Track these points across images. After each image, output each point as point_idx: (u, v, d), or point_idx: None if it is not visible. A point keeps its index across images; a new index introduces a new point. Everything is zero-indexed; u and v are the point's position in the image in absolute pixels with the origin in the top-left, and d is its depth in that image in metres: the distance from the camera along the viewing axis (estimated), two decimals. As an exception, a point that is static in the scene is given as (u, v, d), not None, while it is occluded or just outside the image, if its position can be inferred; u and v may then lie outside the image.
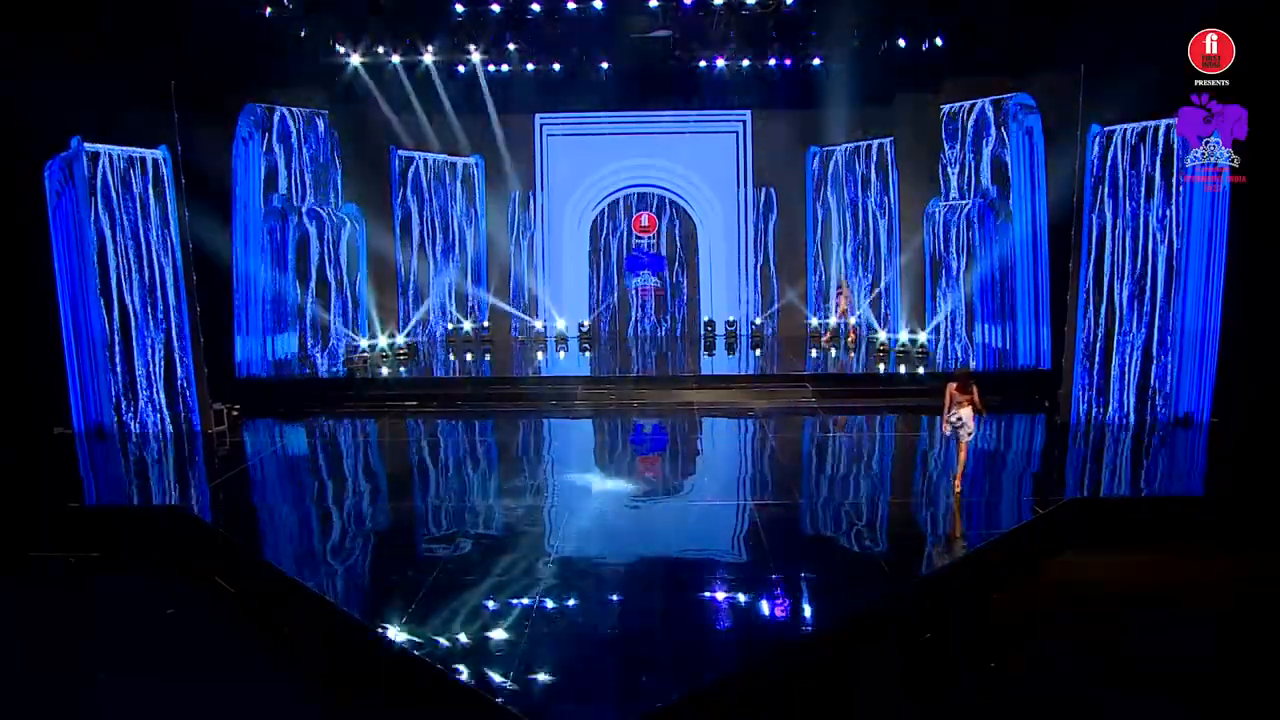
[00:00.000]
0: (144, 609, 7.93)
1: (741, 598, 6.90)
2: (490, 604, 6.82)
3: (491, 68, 19.28)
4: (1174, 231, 12.25)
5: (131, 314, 12.88)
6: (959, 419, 9.44)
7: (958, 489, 9.60)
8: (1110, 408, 12.73)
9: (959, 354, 16.81)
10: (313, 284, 17.26)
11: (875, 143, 19.89)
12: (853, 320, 19.78)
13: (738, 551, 8.09)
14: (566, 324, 22.02)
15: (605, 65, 19.26)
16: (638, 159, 21.86)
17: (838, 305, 19.97)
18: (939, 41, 17.12)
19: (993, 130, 16.47)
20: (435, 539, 8.57)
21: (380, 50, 18.01)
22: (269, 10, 15.00)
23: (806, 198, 21.55)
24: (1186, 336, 12.33)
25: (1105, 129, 12.53)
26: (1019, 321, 16.03)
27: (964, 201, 17.02)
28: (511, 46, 18.19)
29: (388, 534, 8.90)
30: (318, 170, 17.35)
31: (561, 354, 19.96)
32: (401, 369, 17.47)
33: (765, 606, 6.80)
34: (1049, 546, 8.68)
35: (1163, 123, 12.11)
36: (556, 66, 19.27)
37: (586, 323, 21.80)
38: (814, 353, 19.00)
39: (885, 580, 7.25)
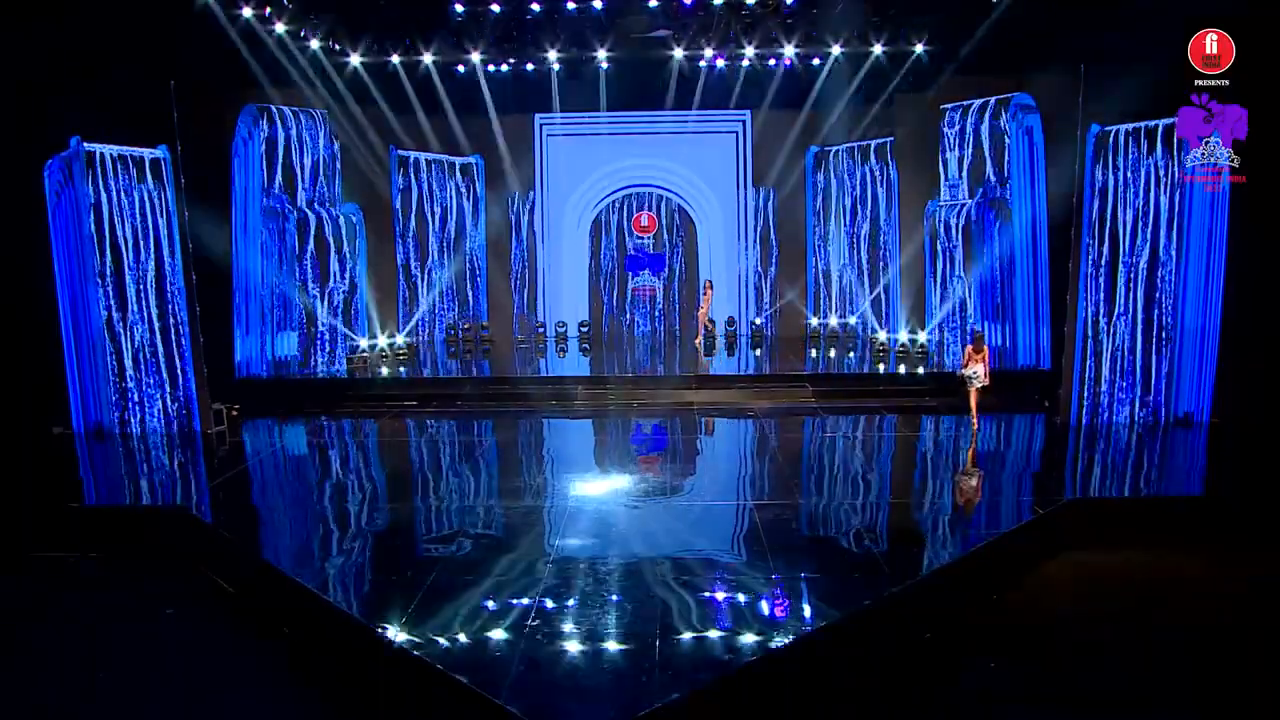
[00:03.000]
0: (144, 609, 7.93)
1: (741, 598, 6.90)
2: (490, 604, 6.81)
3: (491, 68, 19.28)
4: (1174, 231, 12.25)
5: (131, 314, 12.88)
6: (974, 372, 12.36)
7: (975, 423, 12.59)
8: (1110, 408, 12.73)
9: (958, 354, 16.80)
10: (312, 284, 17.26)
11: (875, 142, 19.91)
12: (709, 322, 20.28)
13: (738, 551, 8.09)
14: (567, 324, 22.04)
15: (605, 65, 19.27)
16: (638, 159, 21.87)
17: (701, 305, 20.18)
18: (939, 42, 17.16)
19: (992, 130, 16.47)
20: (435, 539, 8.56)
21: (380, 50, 18.02)
22: (268, 10, 15.01)
23: (806, 198, 21.56)
24: (1186, 336, 12.33)
25: (1105, 129, 12.52)
26: (1019, 321, 16.04)
27: (964, 201, 17.02)
28: (511, 46, 18.19)
29: (387, 534, 8.89)
30: (317, 169, 17.35)
31: (561, 354, 19.95)
32: (401, 369, 17.47)
33: (765, 606, 6.80)
34: (1049, 546, 8.68)
35: (1163, 123, 12.12)
36: (556, 66, 19.28)
37: (586, 322, 21.82)
38: (813, 352, 19.01)
39: (885, 580, 7.24)
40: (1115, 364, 12.68)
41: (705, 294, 20.36)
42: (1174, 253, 12.28)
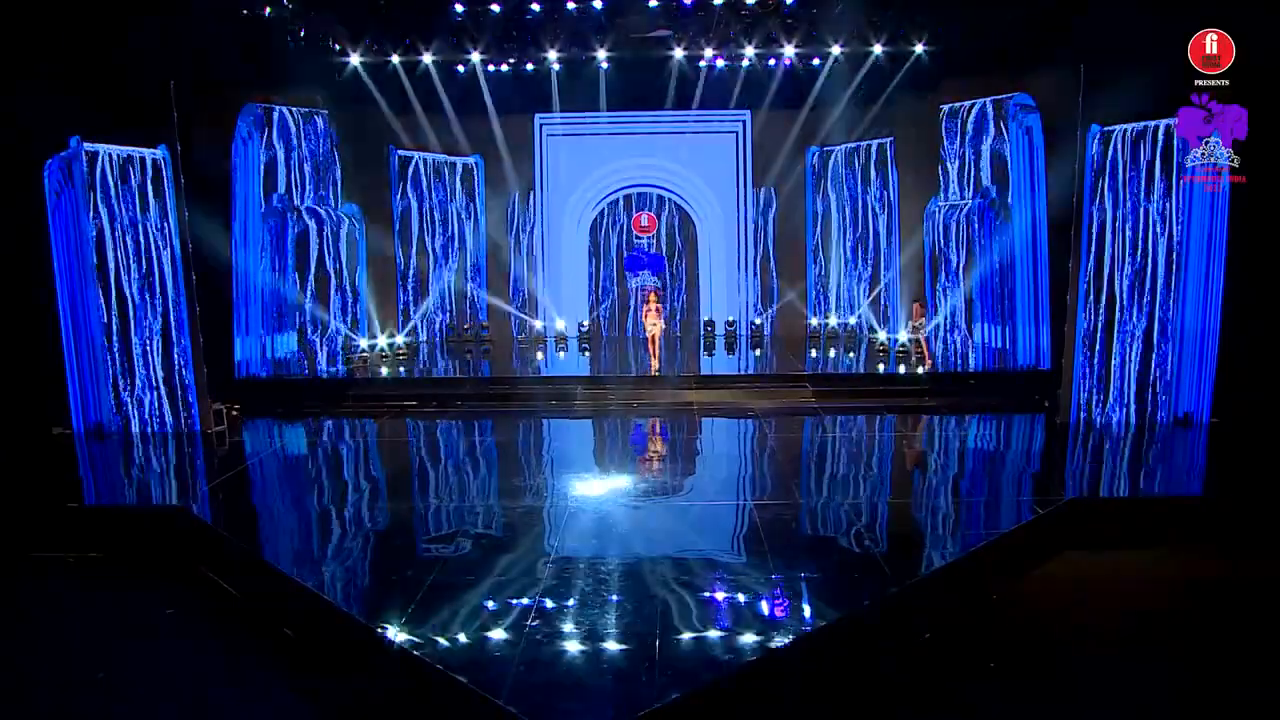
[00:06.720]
0: (144, 609, 7.93)
1: (741, 598, 6.90)
2: (490, 604, 6.81)
3: (491, 68, 19.29)
4: (1173, 231, 12.25)
5: (131, 314, 12.87)
6: (919, 324, 16.05)
7: (928, 356, 16.34)
8: (1110, 408, 12.73)
9: (958, 353, 16.82)
10: (312, 284, 17.26)
11: (875, 143, 19.90)
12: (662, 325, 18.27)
13: (738, 551, 8.09)
14: (566, 324, 22.03)
15: (605, 65, 19.27)
16: (638, 159, 21.86)
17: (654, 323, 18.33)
18: (938, 42, 17.16)
19: (992, 129, 16.47)
20: (435, 539, 8.56)
21: (380, 50, 18.02)
22: (269, 10, 14.99)
23: (806, 197, 21.57)
24: (1186, 336, 12.32)
25: (1105, 129, 12.52)
26: (1018, 321, 16.03)
27: (964, 201, 17.01)
28: (511, 46, 18.20)
29: (387, 534, 8.89)
30: (317, 170, 17.34)
31: (561, 354, 19.95)
32: (401, 369, 17.47)
33: (765, 606, 6.80)
34: (1049, 546, 8.68)
35: (1162, 123, 12.11)
36: (556, 66, 19.28)
37: (586, 323, 21.81)
38: (813, 353, 19.01)
39: (885, 580, 7.24)
40: (1115, 364, 12.67)
41: (654, 306, 17.82)
42: (1173, 252, 12.27)
